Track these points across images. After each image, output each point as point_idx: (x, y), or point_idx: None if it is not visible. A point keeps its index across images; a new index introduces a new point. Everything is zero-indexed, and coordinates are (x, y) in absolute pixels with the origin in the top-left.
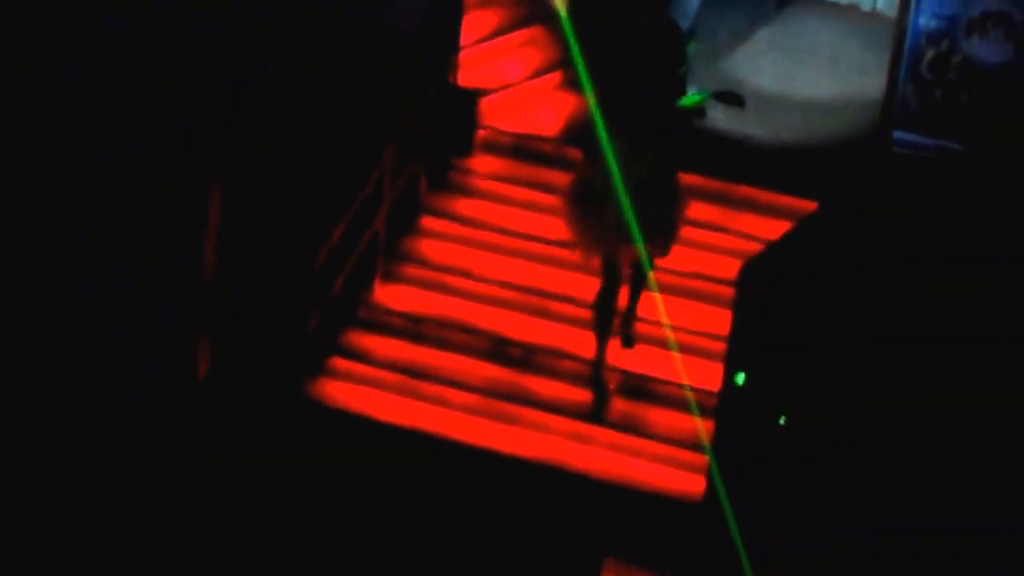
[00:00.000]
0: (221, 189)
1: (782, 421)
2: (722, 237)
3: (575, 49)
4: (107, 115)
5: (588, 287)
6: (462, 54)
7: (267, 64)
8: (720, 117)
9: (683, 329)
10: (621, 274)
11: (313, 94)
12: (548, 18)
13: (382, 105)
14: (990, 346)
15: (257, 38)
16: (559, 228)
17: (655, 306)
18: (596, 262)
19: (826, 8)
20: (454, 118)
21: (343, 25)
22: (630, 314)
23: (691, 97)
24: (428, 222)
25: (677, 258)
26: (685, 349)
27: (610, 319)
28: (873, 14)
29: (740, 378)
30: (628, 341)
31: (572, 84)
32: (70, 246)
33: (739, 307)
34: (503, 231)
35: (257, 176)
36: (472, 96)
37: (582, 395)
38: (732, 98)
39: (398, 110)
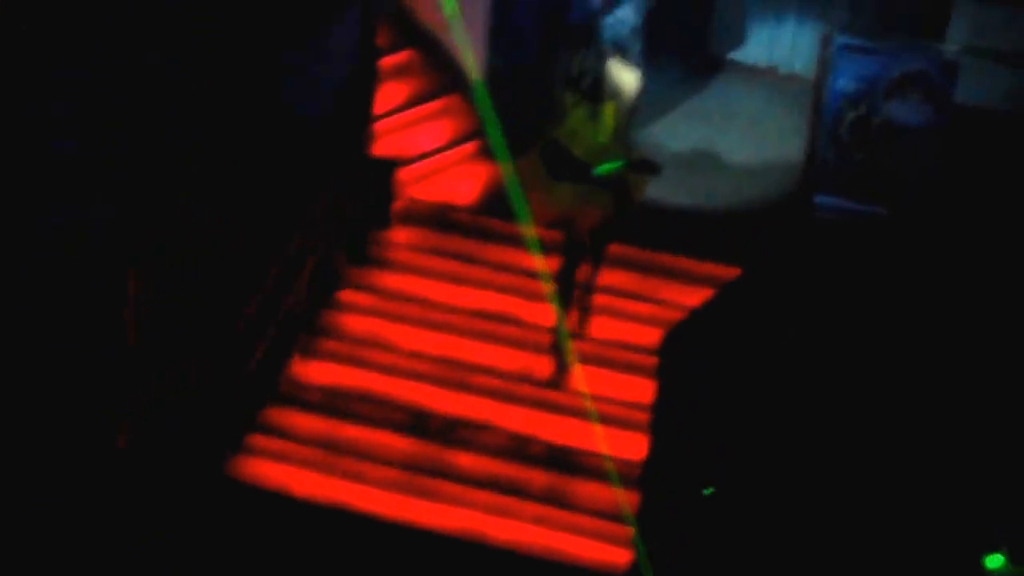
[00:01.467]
0: (141, 266)
1: (708, 492)
2: (643, 305)
3: (489, 118)
4: (33, 184)
5: (509, 359)
6: (377, 124)
7: (184, 134)
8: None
9: (606, 399)
10: (582, 243)
11: (229, 168)
12: (462, 87)
13: (298, 178)
14: (920, 412)
15: (173, 115)
16: (479, 299)
17: (577, 377)
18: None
19: (743, 71)
20: (371, 189)
21: (256, 97)
22: (590, 285)
23: (607, 165)
24: (347, 295)
25: (598, 327)
26: (608, 420)
27: (570, 289)
28: (791, 77)
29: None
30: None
31: (487, 153)
32: None
33: (663, 376)
34: (423, 303)
35: (176, 253)
36: (388, 167)
37: (504, 468)
38: (647, 167)
39: (314, 182)
